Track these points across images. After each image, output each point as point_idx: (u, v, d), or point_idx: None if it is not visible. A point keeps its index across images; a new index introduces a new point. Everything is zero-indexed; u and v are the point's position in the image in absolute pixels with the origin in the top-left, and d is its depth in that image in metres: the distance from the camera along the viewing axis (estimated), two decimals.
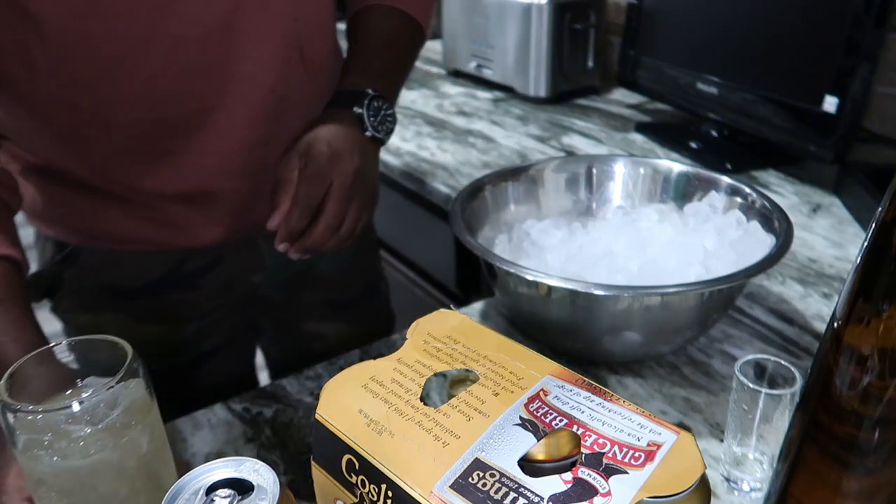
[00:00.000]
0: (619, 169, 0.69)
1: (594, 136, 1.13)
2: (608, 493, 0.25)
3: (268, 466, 0.27)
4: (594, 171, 0.70)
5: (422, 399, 0.31)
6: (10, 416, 0.35)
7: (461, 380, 0.34)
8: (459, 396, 0.30)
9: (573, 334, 0.55)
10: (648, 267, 0.56)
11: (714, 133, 1.06)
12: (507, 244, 0.62)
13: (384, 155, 1.04)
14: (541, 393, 0.30)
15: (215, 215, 0.64)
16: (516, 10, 1.24)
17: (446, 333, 0.35)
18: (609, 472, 0.25)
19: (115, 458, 0.36)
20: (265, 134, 0.61)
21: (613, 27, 1.33)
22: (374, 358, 0.33)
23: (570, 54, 1.25)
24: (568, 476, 0.25)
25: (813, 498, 0.34)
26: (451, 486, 0.25)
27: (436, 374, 0.33)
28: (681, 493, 0.25)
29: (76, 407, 0.35)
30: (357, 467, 0.28)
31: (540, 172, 0.69)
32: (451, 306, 0.39)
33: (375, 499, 0.28)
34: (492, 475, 0.26)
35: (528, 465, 0.27)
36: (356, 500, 0.29)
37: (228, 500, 0.26)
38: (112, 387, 0.35)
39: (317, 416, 0.30)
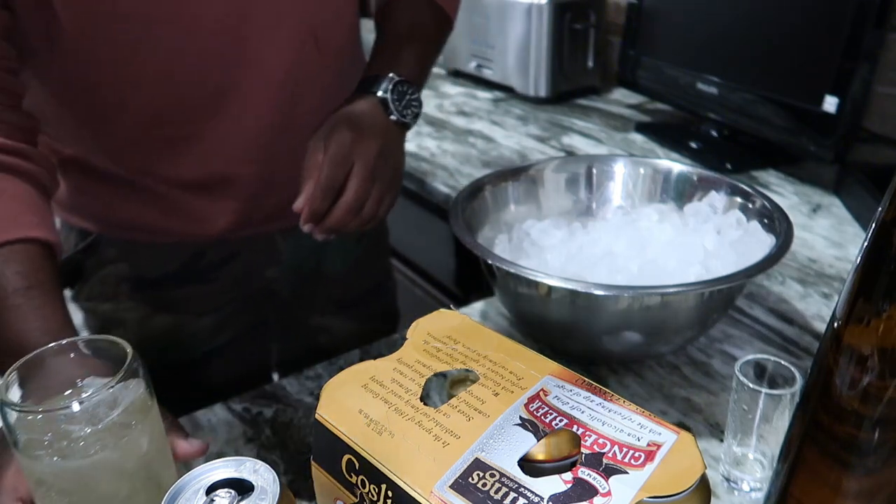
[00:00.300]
0: (619, 169, 0.69)
1: (594, 136, 1.13)
2: (608, 493, 0.25)
3: (268, 466, 0.27)
4: (594, 171, 0.70)
5: (422, 399, 0.31)
6: (11, 416, 0.35)
7: (461, 380, 0.34)
8: (459, 396, 0.30)
9: (573, 334, 0.55)
10: (648, 267, 0.56)
11: (714, 133, 1.06)
12: (507, 244, 0.62)
13: None
14: (541, 393, 0.30)
15: (229, 203, 0.65)
16: (517, 10, 1.24)
17: (446, 333, 0.35)
18: (609, 472, 0.25)
19: (115, 457, 0.36)
20: (280, 119, 0.62)
21: (613, 27, 1.33)
22: (375, 358, 0.33)
23: (570, 54, 1.25)
24: (568, 476, 0.25)
25: (813, 498, 0.34)
26: (451, 486, 0.25)
27: (436, 375, 0.33)
28: (681, 493, 0.25)
29: (76, 407, 0.35)
30: (357, 467, 0.28)
31: (540, 172, 0.69)
32: (451, 306, 0.39)
33: (375, 499, 0.28)
34: (492, 475, 0.26)
35: (529, 465, 0.27)
36: (356, 500, 0.29)
37: (228, 499, 0.26)
38: (112, 387, 0.35)
39: (317, 416, 0.30)
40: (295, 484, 0.49)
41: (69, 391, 0.38)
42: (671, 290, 0.49)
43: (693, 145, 1.04)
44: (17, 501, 0.39)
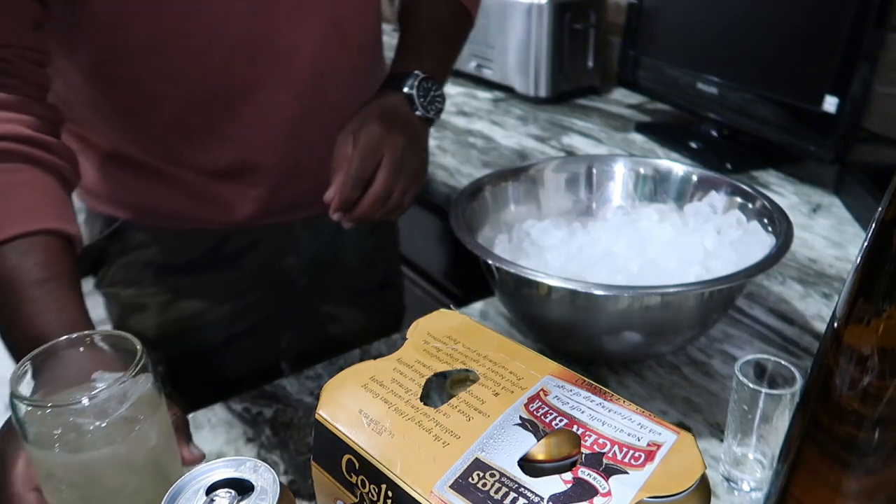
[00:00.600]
0: (619, 169, 0.69)
1: (594, 136, 1.13)
2: (608, 493, 0.25)
3: (268, 466, 0.27)
4: (594, 171, 0.70)
5: (422, 399, 0.31)
6: (21, 409, 0.35)
7: (461, 380, 0.34)
8: (459, 396, 0.30)
9: (573, 334, 0.55)
10: (648, 267, 0.56)
11: (714, 133, 1.06)
12: (507, 244, 0.62)
13: None
14: (541, 393, 0.30)
15: (253, 191, 0.67)
16: (517, 10, 1.24)
17: (446, 333, 0.35)
18: (609, 472, 0.25)
19: (123, 451, 0.36)
20: (305, 109, 0.64)
21: (613, 27, 1.33)
22: (374, 357, 0.33)
23: (570, 54, 1.25)
24: (568, 476, 0.25)
25: (813, 498, 0.34)
26: (452, 486, 0.25)
27: (436, 375, 0.33)
28: (681, 493, 0.25)
29: (86, 402, 0.35)
30: (357, 467, 0.28)
31: (540, 172, 0.69)
32: (451, 306, 0.39)
33: (375, 499, 0.28)
34: (492, 475, 0.26)
35: (529, 465, 0.27)
36: (356, 500, 0.29)
37: (228, 500, 0.26)
38: (124, 382, 0.36)
39: (317, 416, 0.30)
40: (295, 484, 0.49)
41: (80, 385, 0.38)
42: (671, 290, 0.50)
43: (693, 145, 1.04)
44: (32, 492, 0.39)
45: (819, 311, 0.66)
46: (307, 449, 0.52)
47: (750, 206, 0.61)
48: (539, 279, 0.50)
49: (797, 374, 0.44)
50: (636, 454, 0.26)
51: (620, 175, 0.69)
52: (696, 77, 1.03)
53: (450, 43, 0.70)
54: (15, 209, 0.47)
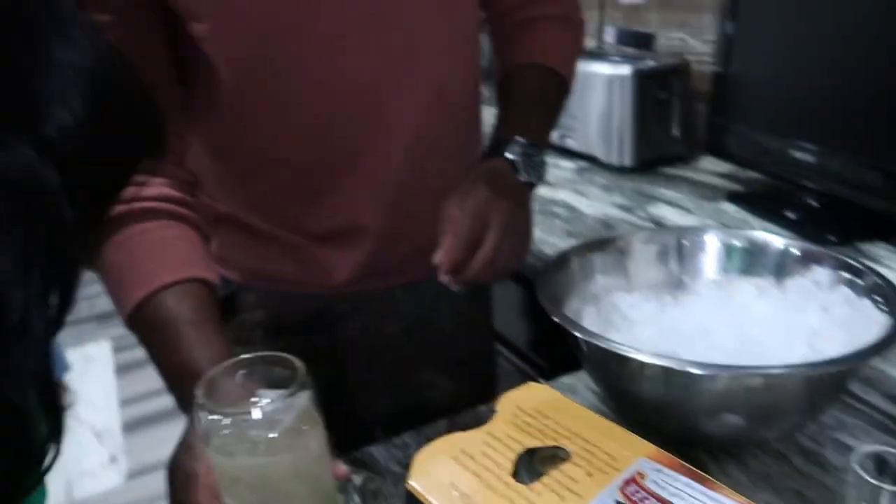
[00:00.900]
0: (712, 241, 0.67)
1: (682, 206, 1.10)
2: None
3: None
4: (685, 242, 0.68)
5: (513, 475, 0.30)
6: (205, 418, 0.39)
7: (550, 457, 0.33)
8: (551, 474, 0.30)
9: (668, 414, 0.52)
10: (748, 345, 0.53)
11: (813, 202, 1.01)
12: (595, 317, 0.61)
13: None
14: (637, 476, 0.29)
15: (354, 254, 0.69)
16: (599, 81, 1.25)
17: (536, 408, 0.35)
18: None
19: (291, 459, 0.40)
20: (408, 175, 0.67)
21: (699, 95, 1.32)
22: (462, 428, 0.33)
23: (654, 123, 1.25)
24: None
25: None
26: None
27: (526, 450, 0.32)
28: None
29: (257, 413, 0.39)
30: None
31: (628, 244, 0.68)
32: (539, 380, 0.39)
33: None
34: None
35: None
36: None
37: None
38: (291, 395, 0.40)
39: (408, 485, 0.30)
40: None
41: (248, 401, 0.42)
42: (776, 370, 0.47)
43: (790, 215, 0.99)
44: (214, 500, 0.43)
45: None
46: None
47: (859, 282, 0.57)
48: (632, 355, 0.49)
49: None
50: None
51: (713, 247, 0.67)
52: (790, 143, 0.99)
53: (548, 110, 0.72)
54: (170, 260, 0.56)
